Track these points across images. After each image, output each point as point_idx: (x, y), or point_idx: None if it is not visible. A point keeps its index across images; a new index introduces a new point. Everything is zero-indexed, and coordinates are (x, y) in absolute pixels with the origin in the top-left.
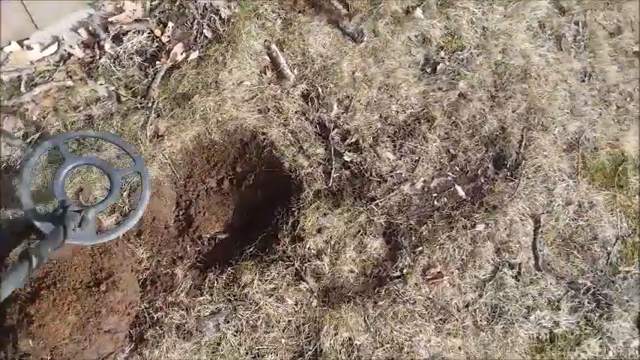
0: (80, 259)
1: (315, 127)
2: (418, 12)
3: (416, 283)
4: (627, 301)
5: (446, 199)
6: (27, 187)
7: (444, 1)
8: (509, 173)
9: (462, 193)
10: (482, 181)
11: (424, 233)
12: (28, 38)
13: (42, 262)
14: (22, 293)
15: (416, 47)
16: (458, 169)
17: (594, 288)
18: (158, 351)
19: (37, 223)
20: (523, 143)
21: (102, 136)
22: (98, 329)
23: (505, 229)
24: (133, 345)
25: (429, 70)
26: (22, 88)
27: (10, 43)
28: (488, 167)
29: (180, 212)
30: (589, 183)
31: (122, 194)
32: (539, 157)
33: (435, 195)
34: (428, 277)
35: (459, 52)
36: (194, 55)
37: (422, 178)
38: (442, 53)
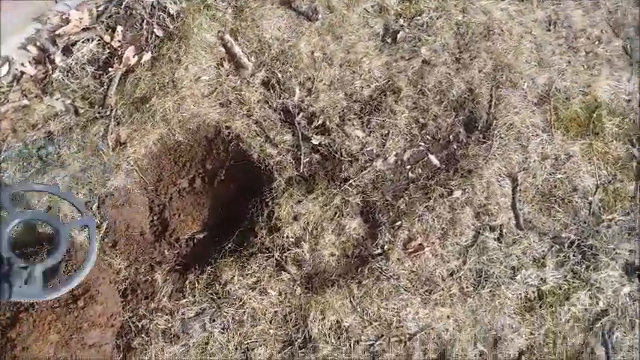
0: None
1: (280, 113)
2: None
3: (398, 258)
4: (614, 249)
5: (420, 169)
6: None
7: None
8: (481, 135)
9: (435, 161)
10: (455, 146)
11: (401, 207)
12: None
13: None
14: (2, 318)
15: (373, 18)
16: (429, 137)
17: (578, 240)
18: (147, 358)
19: None
20: (493, 103)
21: (47, 190)
22: (82, 345)
23: (482, 192)
24: (121, 355)
25: (389, 40)
26: None
27: None
28: (459, 132)
29: (155, 217)
30: (564, 134)
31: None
32: (510, 115)
33: (408, 167)
34: (409, 250)
35: (418, 17)
36: (147, 56)
37: (394, 152)
38: (401, 21)
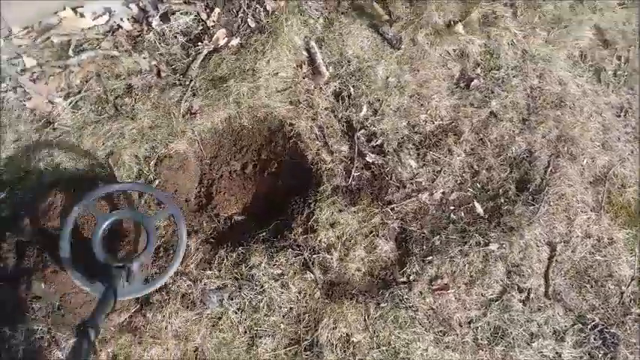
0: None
1: (343, 125)
2: (459, 27)
3: (421, 292)
4: (635, 344)
5: (463, 213)
6: (69, 261)
7: (486, 20)
8: (530, 197)
9: (480, 210)
10: (503, 201)
11: (436, 244)
12: (82, 6)
13: (99, 332)
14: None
15: (453, 61)
16: (479, 186)
17: (602, 325)
18: (161, 315)
19: (88, 289)
20: (549, 170)
21: (130, 188)
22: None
23: (519, 252)
24: (138, 306)
25: (462, 85)
26: (70, 52)
27: (64, 8)
28: (510, 188)
29: (202, 189)
30: (612, 219)
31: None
32: (563, 186)
33: (452, 208)
34: (434, 287)
35: (495, 72)
36: (235, 41)
37: (441, 190)
38: (478, 70)
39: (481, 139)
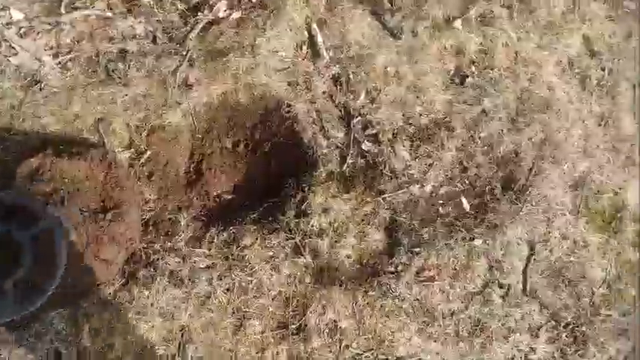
0: (91, 185)
1: (340, 111)
2: (458, 23)
3: (408, 282)
4: (602, 343)
5: (450, 208)
6: None
7: (483, 19)
8: (514, 196)
9: (466, 205)
10: (489, 198)
11: (424, 236)
12: None
13: None
14: None
15: (450, 56)
16: (467, 182)
17: (574, 324)
18: (148, 292)
19: None
20: (533, 171)
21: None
22: (95, 256)
23: (501, 249)
24: (124, 280)
25: (457, 80)
26: (62, 9)
27: None
28: (496, 186)
29: (192, 164)
30: (587, 223)
31: None
32: (545, 188)
33: (441, 202)
34: (421, 278)
35: (489, 71)
36: (236, 14)
37: (432, 183)
38: (473, 68)
39: (471, 136)
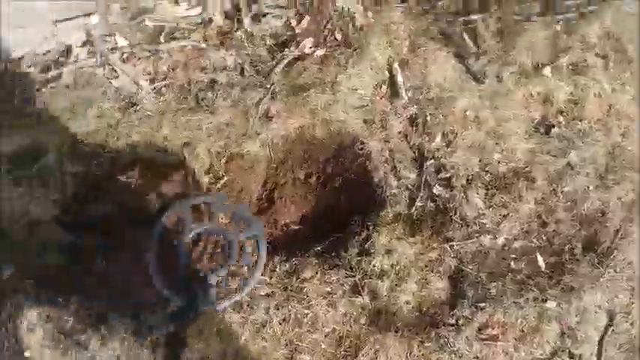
0: None
1: (414, 152)
2: (547, 70)
3: (468, 338)
4: None
5: (524, 264)
6: (155, 269)
7: (575, 67)
8: (596, 260)
9: (541, 263)
10: (567, 258)
11: (492, 291)
12: None
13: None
14: None
15: (536, 104)
16: (544, 238)
17: None
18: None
19: (169, 296)
20: (620, 234)
21: (224, 208)
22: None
23: (576, 315)
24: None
25: (542, 130)
26: (162, 38)
27: None
28: (576, 246)
29: (265, 192)
30: None
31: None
32: (632, 253)
33: (513, 256)
34: (483, 336)
35: (578, 122)
36: (320, 52)
37: (505, 235)
38: (560, 118)
39: (554, 189)
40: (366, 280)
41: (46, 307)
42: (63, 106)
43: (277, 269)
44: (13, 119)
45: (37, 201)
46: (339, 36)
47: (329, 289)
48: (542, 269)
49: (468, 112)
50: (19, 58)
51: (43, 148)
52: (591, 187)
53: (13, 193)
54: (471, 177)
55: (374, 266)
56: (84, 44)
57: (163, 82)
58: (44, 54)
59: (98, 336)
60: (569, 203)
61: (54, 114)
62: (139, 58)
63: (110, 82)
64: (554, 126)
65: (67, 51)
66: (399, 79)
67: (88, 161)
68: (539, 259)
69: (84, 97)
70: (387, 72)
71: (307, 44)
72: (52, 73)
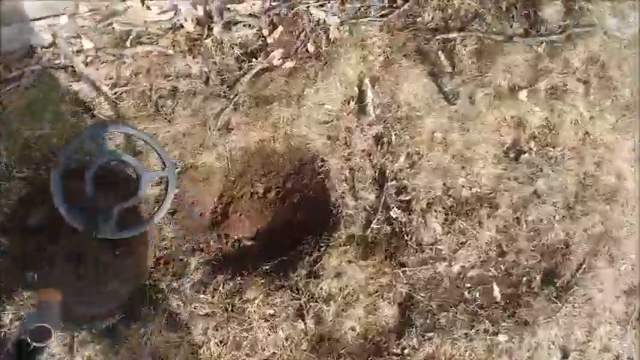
0: None
1: (375, 172)
2: (523, 94)
3: None
4: None
5: (478, 294)
6: (57, 186)
7: (554, 92)
8: (555, 293)
9: (497, 294)
10: (524, 290)
11: (441, 321)
12: None
13: None
14: None
15: (507, 127)
16: (502, 268)
17: None
18: (144, 330)
19: (71, 221)
20: (582, 267)
21: (143, 137)
22: (98, 289)
23: (528, 350)
24: (122, 315)
25: (512, 155)
26: (128, 43)
27: None
28: (535, 278)
29: (220, 206)
30: (637, 337)
31: None
32: (593, 289)
33: (468, 285)
34: None
35: (551, 149)
36: (290, 64)
37: (461, 263)
38: (532, 143)
39: (517, 217)
40: (311, 304)
41: None
42: (19, 107)
43: (220, 288)
44: None
45: None
46: (311, 48)
47: (272, 312)
48: (497, 300)
49: (435, 134)
50: None
51: None
52: (557, 217)
53: None
54: (431, 201)
55: (321, 289)
56: (49, 45)
57: (124, 88)
58: (10, 53)
59: None
60: (531, 233)
61: (9, 116)
62: (103, 62)
63: (70, 85)
64: (524, 152)
65: (31, 51)
66: (369, 95)
67: (38, 166)
68: (495, 289)
69: (41, 99)
70: (356, 88)
71: (277, 55)
72: (14, 73)
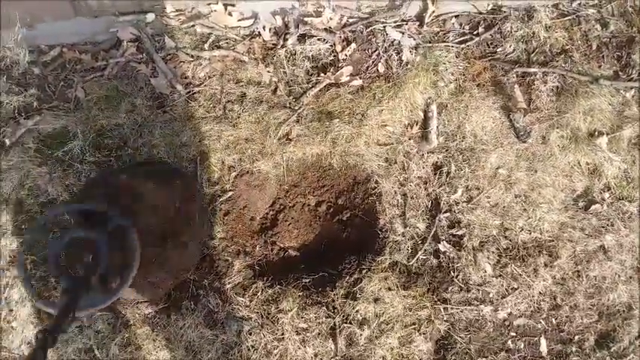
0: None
1: (429, 201)
2: (603, 140)
3: None
4: None
5: (523, 345)
6: (27, 280)
7: (638, 142)
8: (608, 358)
9: (544, 348)
10: (574, 349)
11: None
12: (233, 5)
13: (54, 343)
14: None
15: (580, 174)
16: (554, 322)
17: None
18: (182, 322)
19: (44, 307)
20: None
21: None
22: (144, 277)
23: None
24: (162, 306)
25: (581, 204)
26: (206, 46)
27: (217, 2)
28: (588, 338)
29: (270, 213)
30: None
31: None
32: None
33: (512, 334)
34: None
35: (626, 203)
36: (358, 82)
37: (509, 310)
38: (606, 195)
39: (578, 271)
40: (345, 325)
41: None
42: (99, 96)
43: (259, 294)
44: (54, 101)
45: (53, 182)
46: (382, 68)
47: (305, 326)
48: (543, 355)
49: (499, 170)
50: (72, 45)
51: (72, 133)
52: (622, 277)
53: (36, 170)
54: (485, 239)
55: (357, 312)
56: (134, 40)
57: (197, 88)
58: (99, 43)
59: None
60: (591, 290)
61: (89, 102)
62: (181, 62)
63: (149, 80)
64: (596, 202)
65: (118, 44)
66: (434, 122)
67: (109, 153)
68: (543, 343)
69: (121, 90)
70: (421, 112)
71: (346, 72)
72: (100, 63)
